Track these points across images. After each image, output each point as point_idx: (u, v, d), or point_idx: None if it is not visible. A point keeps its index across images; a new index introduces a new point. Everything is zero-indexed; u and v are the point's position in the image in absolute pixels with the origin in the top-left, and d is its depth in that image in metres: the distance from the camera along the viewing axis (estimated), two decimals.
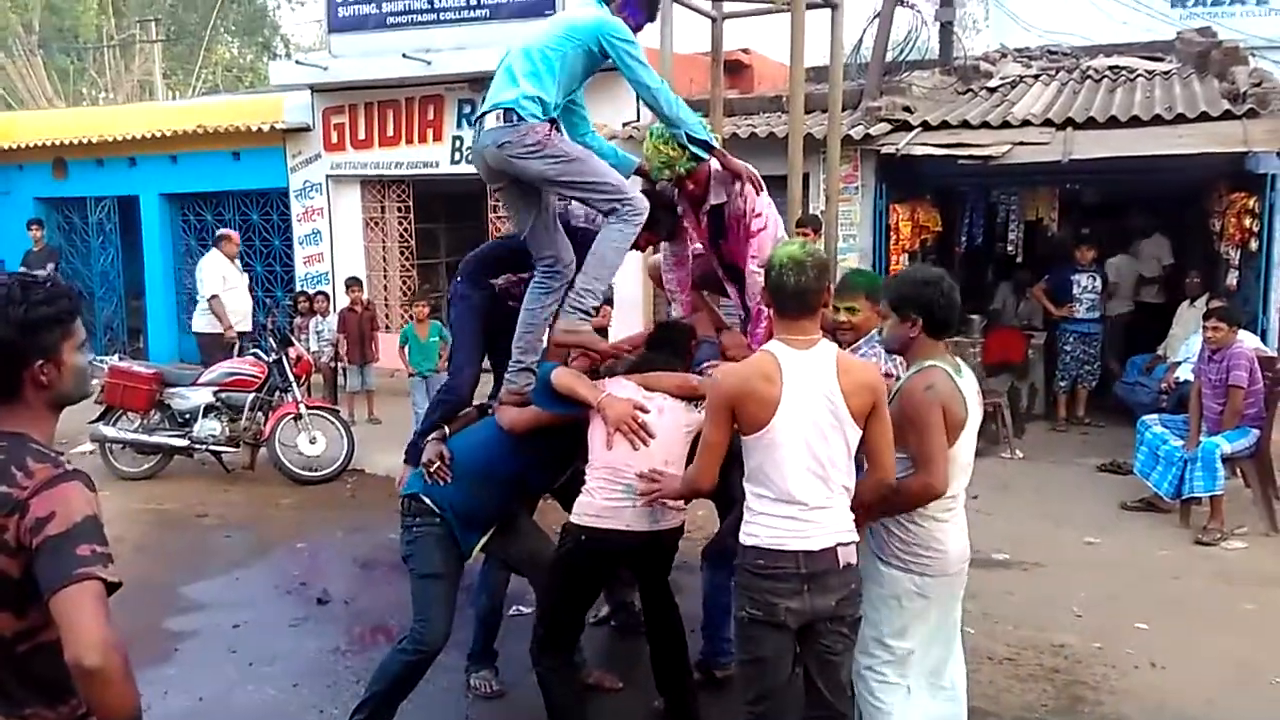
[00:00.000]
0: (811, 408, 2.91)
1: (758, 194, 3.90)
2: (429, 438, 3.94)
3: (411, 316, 9.31)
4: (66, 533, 1.78)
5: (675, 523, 3.66)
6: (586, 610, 4.00)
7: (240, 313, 9.91)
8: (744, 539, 2.99)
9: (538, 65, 3.57)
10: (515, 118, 3.53)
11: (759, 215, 3.89)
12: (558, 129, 3.67)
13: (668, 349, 3.88)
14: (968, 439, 3.18)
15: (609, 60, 3.64)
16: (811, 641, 2.99)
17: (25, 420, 1.93)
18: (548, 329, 3.87)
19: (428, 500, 3.80)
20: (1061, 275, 9.48)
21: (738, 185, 3.91)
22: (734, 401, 2.96)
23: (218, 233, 10.50)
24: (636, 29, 3.77)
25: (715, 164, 3.91)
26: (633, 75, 3.61)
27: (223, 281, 9.71)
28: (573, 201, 3.92)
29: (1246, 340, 6.74)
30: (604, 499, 3.55)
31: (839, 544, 2.94)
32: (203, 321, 9.81)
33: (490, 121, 3.59)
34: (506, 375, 3.92)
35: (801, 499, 2.90)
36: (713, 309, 4.49)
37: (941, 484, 3.06)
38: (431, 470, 3.79)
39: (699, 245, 4.29)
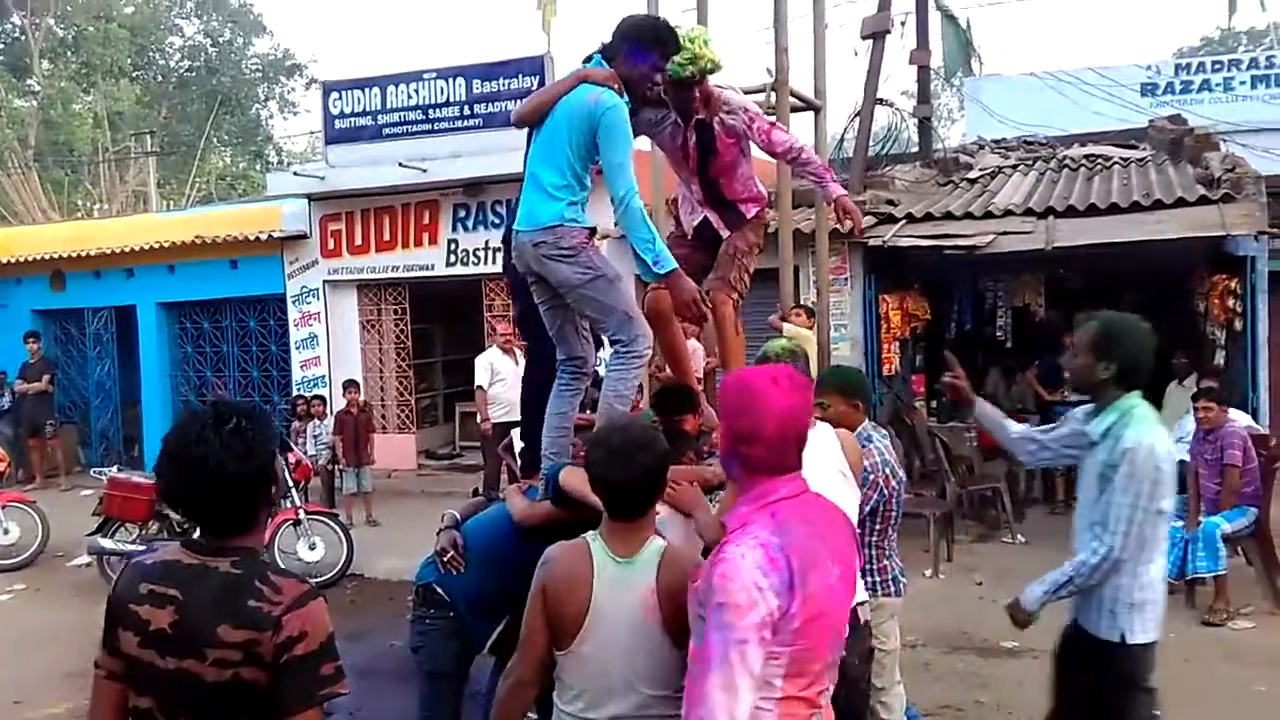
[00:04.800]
0: (826, 478, 3.08)
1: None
2: (441, 528, 3.91)
3: None
4: (314, 653, 1.89)
5: None
6: None
7: (509, 403, 9.27)
8: None
9: (568, 174, 3.58)
10: (553, 225, 3.54)
11: (762, 118, 4.06)
12: (593, 237, 3.68)
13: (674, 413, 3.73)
14: None
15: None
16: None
17: (250, 535, 2.03)
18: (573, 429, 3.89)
19: (440, 591, 3.72)
20: (1051, 360, 9.60)
21: (740, 110, 4.02)
22: None
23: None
24: (656, 69, 3.71)
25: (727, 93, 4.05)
26: (608, 163, 3.53)
27: (489, 373, 9.70)
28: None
29: (1239, 419, 6.83)
30: None
31: (858, 603, 3.18)
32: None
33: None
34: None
35: None
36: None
37: None
38: (445, 559, 3.74)
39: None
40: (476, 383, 9.79)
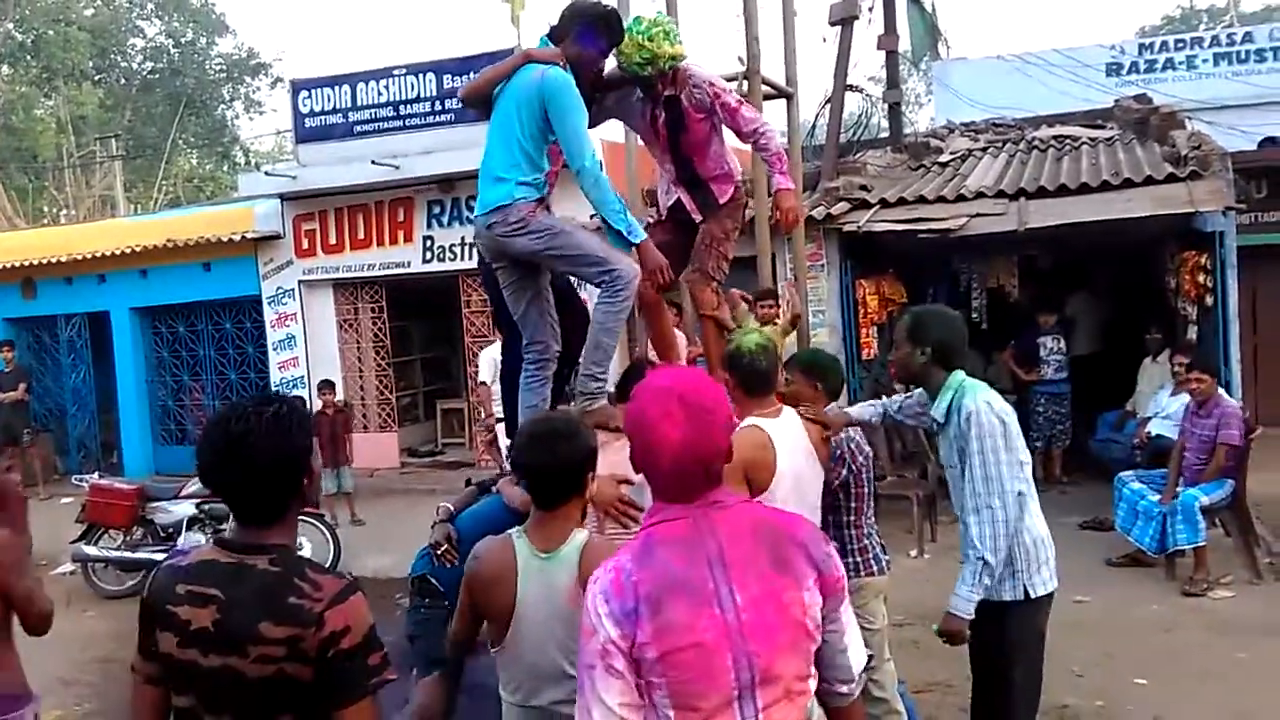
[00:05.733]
0: (797, 463, 3.32)
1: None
2: (435, 521, 3.94)
3: None
4: (360, 645, 1.93)
5: None
6: None
7: None
8: None
9: (517, 154, 3.64)
10: (503, 205, 3.61)
11: (728, 94, 4.08)
12: (545, 207, 3.71)
13: None
14: None
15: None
16: None
17: (283, 532, 2.05)
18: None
19: (435, 582, 3.70)
20: (1027, 340, 9.71)
21: (705, 85, 4.03)
22: (748, 468, 3.17)
23: None
24: (603, 55, 3.82)
25: (693, 68, 4.06)
26: (561, 133, 3.58)
27: (493, 368, 9.01)
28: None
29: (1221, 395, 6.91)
30: None
31: None
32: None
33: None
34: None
35: None
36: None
37: None
38: (439, 553, 3.74)
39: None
40: (480, 378, 9.65)
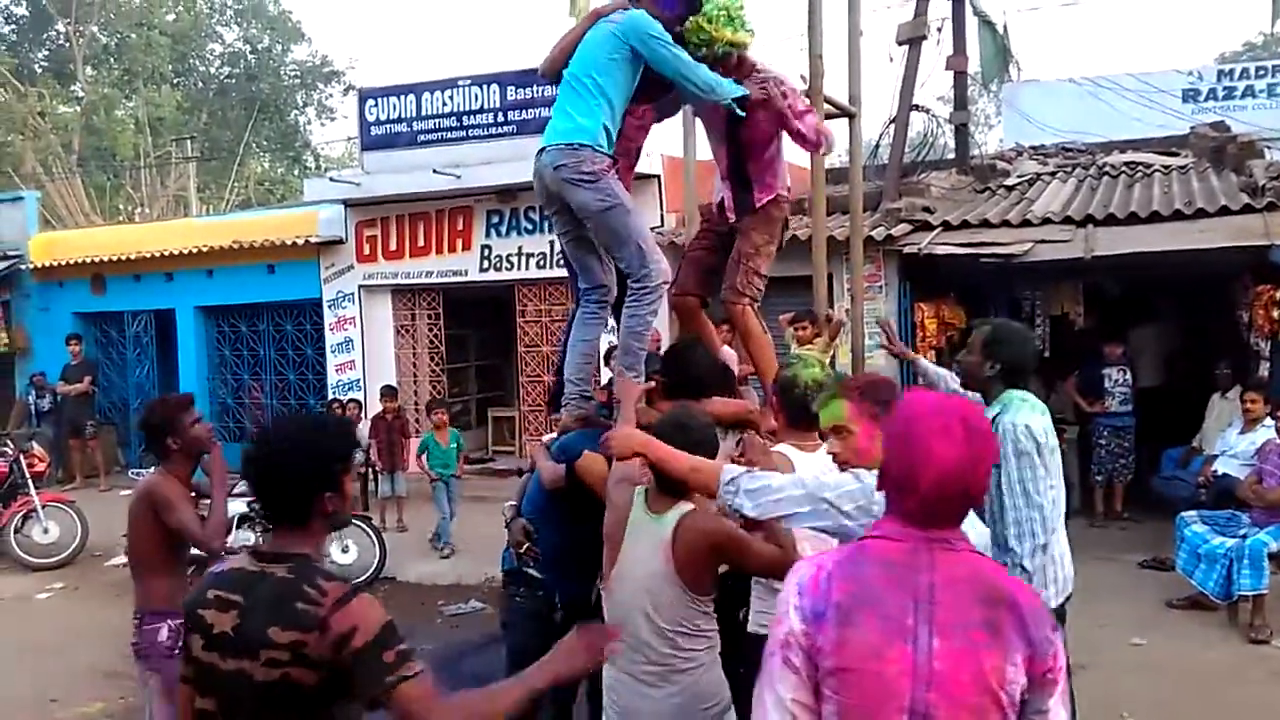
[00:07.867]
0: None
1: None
2: (507, 521, 4.00)
3: (432, 424, 9.51)
4: (371, 642, 1.97)
5: None
6: None
7: None
8: (754, 629, 3.28)
9: (598, 97, 3.60)
10: (578, 144, 3.57)
11: (796, 96, 4.05)
12: (615, 173, 3.68)
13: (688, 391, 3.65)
14: None
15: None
16: None
17: (307, 543, 2.13)
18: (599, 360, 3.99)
19: (532, 572, 3.88)
20: (1092, 370, 9.45)
21: (771, 81, 3.97)
22: None
23: None
24: (678, 20, 3.75)
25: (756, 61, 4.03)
26: (669, 68, 3.59)
27: None
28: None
29: None
30: None
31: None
32: None
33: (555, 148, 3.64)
34: (564, 403, 3.98)
35: None
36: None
37: None
38: (522, 552, 3.85)
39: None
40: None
